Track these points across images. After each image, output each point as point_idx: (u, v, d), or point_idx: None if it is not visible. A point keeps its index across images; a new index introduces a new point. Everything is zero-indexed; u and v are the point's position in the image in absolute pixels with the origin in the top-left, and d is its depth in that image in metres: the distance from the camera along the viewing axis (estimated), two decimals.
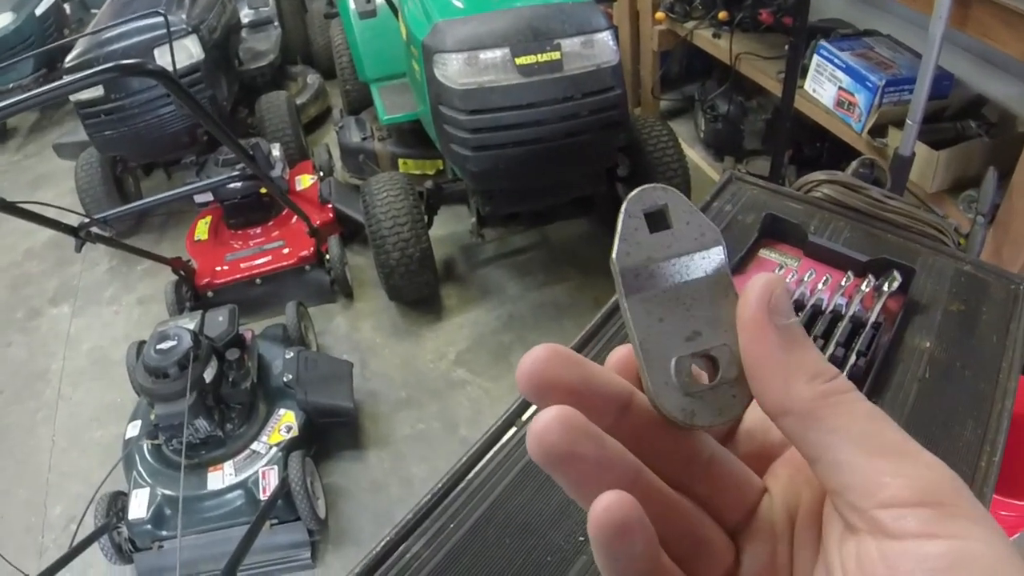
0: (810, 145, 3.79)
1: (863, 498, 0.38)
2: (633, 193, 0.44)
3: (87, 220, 3.20)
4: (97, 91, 4.18)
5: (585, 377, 0.43)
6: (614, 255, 0.44)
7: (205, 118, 2.75)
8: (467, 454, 1.35)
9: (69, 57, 4.26)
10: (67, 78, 3.85)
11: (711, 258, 0.44)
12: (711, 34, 3.90)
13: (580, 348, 1.52)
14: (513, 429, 1.39)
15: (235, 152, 3.19)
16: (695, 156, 4.04)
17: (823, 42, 3.24)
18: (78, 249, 3.20)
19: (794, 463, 0.47)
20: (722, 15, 3.86)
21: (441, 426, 3.20)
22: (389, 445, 3.19)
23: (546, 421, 0.39)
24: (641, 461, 0.43)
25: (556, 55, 2.95)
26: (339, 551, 2.88)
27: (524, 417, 1.40)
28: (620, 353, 0.47)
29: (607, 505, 0.38)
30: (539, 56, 2.94)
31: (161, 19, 4.13)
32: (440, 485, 1.31)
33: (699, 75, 4.79)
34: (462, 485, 1.32)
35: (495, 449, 1.36)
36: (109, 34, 4.23)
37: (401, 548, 1.24)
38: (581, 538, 1.21)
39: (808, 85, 3.31)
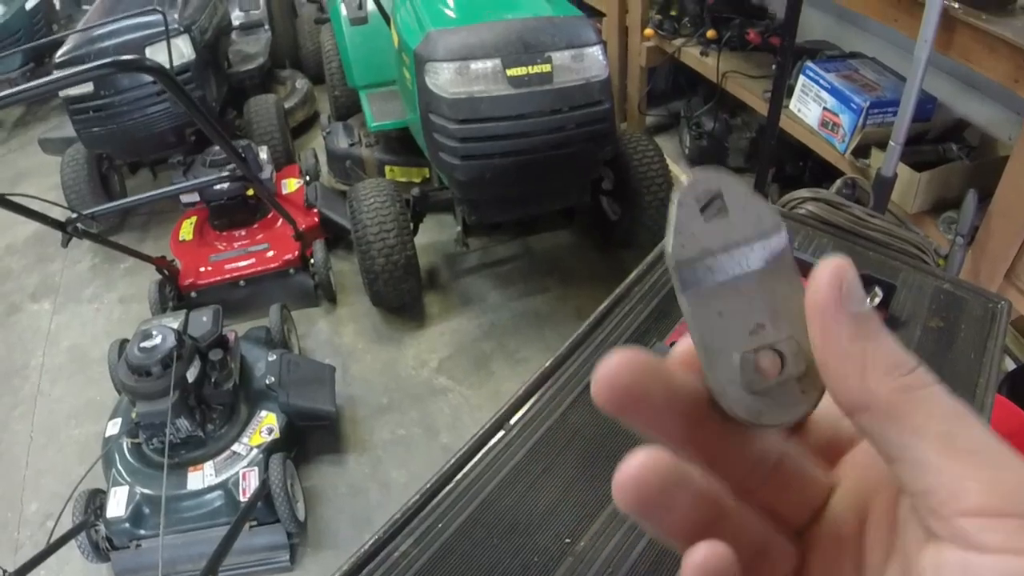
0: (793, 164, 3.83)
1: (945, 504, 0.35)
2: (687, 181, 0.41)
3: (75, 215, 3.20)
4: (87, 87, 4.19)
5: (669, 388, 0.40)
6: (669, 248, 0.40)
7: (199, 116, 2.77)
8: (456, 455, 1.37)
9: (60, 52, 4.26)
10: (58, 72, 3.90)
11: (772, 245, 0.42)
12: (699, 52, 3.94)
13: (564, 359, 1.54)
14: (502, 432, 1.41)
15: (227, 153, 3.20)
16: (679, 172, 4.08)
17: (809, 63, 3.28)
18: (65, 244, 3.20)
19: (867, 459, 0.44)
20: (710, 33, 3.90)
21: (422, 432, 3.22)
22: (369, 450, 3.20)
23: (638, 472, 0.38)
24: (708, 465, 0.42)
25: (547, 67, 2.98)
26: (317, 554, 2.89)
27: (512, 421, 1.42)
28: (682, 347, 0.44)
29: (704, 559, 0.38)
30: (530, 68, 2.97)
31: (153, 18, 4.16)
32: (429, 485, 1.33)
33: (685, 91, 4.83)
34: (451, 486, 1.34)
35: (484, 450, 1.38)
36: (101, 31, 4.25)
37: (389, 547, 1.26)
38: (567, 540, 1.23)
39: (793, 105, 3.35)
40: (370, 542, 1.26)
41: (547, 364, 1.52)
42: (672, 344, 1.45)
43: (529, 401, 1.46)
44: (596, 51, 3.08)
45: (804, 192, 2.10)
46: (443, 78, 2.99)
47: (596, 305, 1.62)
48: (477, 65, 2.97)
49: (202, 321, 3.03)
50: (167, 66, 3.51)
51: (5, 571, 2.11)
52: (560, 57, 3.01)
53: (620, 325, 1.62)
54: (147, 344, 2.79)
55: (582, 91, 3.03)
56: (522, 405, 1.45)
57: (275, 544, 2.85)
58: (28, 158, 6.32)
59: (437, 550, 1.25)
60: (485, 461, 1.37)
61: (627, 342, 1.56)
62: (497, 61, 2.97)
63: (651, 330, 1.56)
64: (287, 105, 5.29)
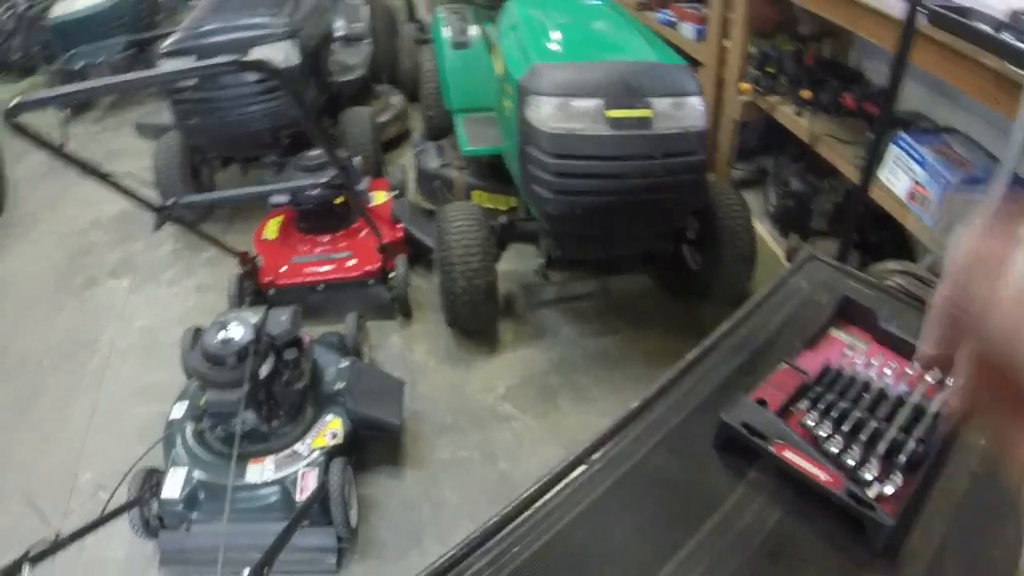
0: (875, 232, 3.81)
1: None
2: None
3: (173, 200, 3.27)
4: (191, 80, 4.28)
5: None
6: None
7: (308, 121, 2.82)
8: (537, 483, 1.39)
9: (167, 43, 4.38)
10: (165, 63, 4.02)
11: None
12: (793, 111, 3.93)
13: (651, 402, 1.55)
14: (584, 467, 1.42)
15: (330, 159, 3.25)
16: (760, 229, 4.07)
17: (903, 133, 3.26)
18: (157, 227, 3.27)
19: None
20: (806, 94, 3.89)
21: (480, 456, 3.23)
22: (427, 467, 3.22)
23: None
24: None
25: (647, 112, 3.00)
26: (364, 562, 2.91)
27: (595, 456, 1.44)
28: None
29: None
30: (630, 111, 2.99)
31: (261, 20, 4.28)
32: (508, 509, 1.35)
33: (773, 149, 4.82)
34: (529, 512, 1.36)
35: (565, 482, 1.40)
36: (209, 27, 4.36)
37: (462, 565, 1.28)
38: None
39: (882, 174, 3.34)
40: (445, 557, 1.29)
41: (635, 405, 1.54)
42: (759, 400, 1.47)
43: (614, 439, 1.48)
44: (696, 101, 3.10)
45: (894, 264, 2.11)
46: (544, 112, 3.02)
47: (667, 352, 1.65)
48: (579, 103, 3.00)
49: (281, 320, 3.07)
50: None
51: (58, 534, 2.15)
52: (660, 104, 3.02)
53: (707, 375, 1.63)
54: (225, 335, 2.85)
55: (679, 140, 3.04)
56: (606, 442, 1.47)
57: (324, 546, 2.88)
58: (120, 139, 6.47)
59: (510, 574, 1.27)
60: (565, 493, 1.39)
61: (713, 393, 1.58)
62: (599, 101, 2.99)
63: (737, 384, 1.58)
64: (380, 119, 5.36)
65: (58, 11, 7.20)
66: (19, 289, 4.83)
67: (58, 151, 2.52)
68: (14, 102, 2.17)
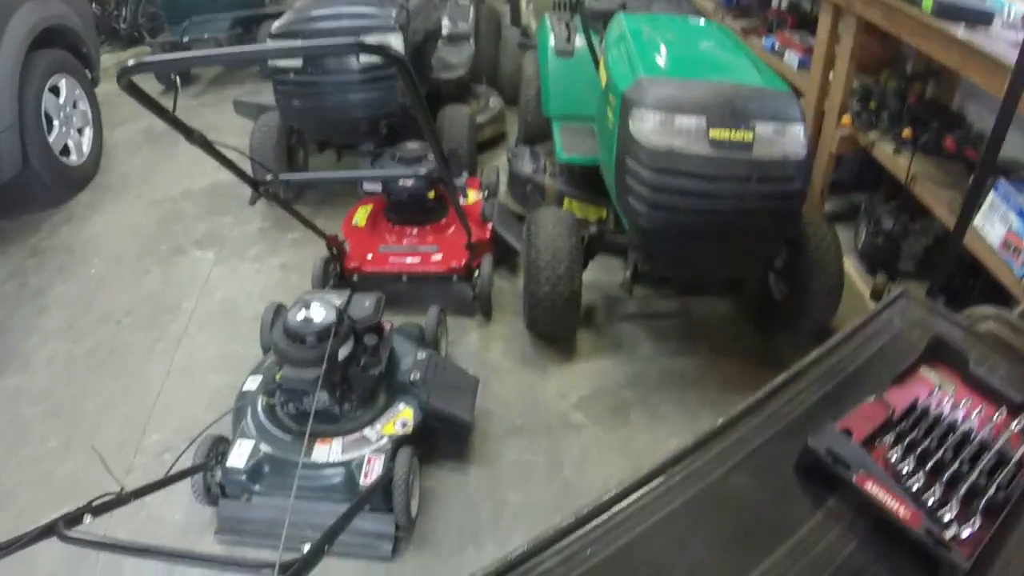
0: (962, 278, 3.74)
1: None
2: None
3: (273, 176, 3.31)
4: (296, 62, 4.37)
5: None
6: None
7: (421, 111, 2.82)
8: (616, 489, 1.39)
9: (277, 24, 4.45)
10: (272, 42, 4.07)
11: None
12: (892, 149, 3.87)
13: (736, 421, 1.55)
14: (663, 478, 1.42)
15: (434, 151, 3.25)
16: (848, 265, 4.00)
17: (1003, 180, 3.20)
18: (253, 202, 3.32)
19: None
20: (906, 132, 3.81)
21: (546, 462, 3.22)
22: (492, 467, 3.22)
23: None
24: None
25: (749, 136, 2.97)
26: (418, 553, 2.91)
27: (675, 468, 1.44)
28: None
29: None
30: (732, 133, 2.96)
31: (371, 9, 4.36)
32: (586, 511, 1.35)
33: (867, 185, 4.76)
34: (605, 516, 1.36)
35: (643, 491, 1.40)
36: (319, 12, 4.43)
37: (534, 560, 1.28)
38: None
39: (978, 220, 3.28)
40: (518, 551, 1.29)
41: (720, 422, 1.53)
42: (845, 430, 1.45)
43: (695, 454, 1.47)
44: (799, 129, 3.05)
45: (988, 309, 2.08)
46: (647, 126, 3.01)
47: (744, 380, 1.65)
48: (682, 120, 2.98)
49: (364, 305, 3.10)
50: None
51: (123, 488, 2.19)
52: (763, 128, 2.99)
53: (793, 400, 1.62)
54: (308, 314, 2.89)
55: (778, 166, 3.00)
56: (687, 456, 1.47)
57: (381, 532, 2.88)
58: (218, 115, 6.58)
59: (582, 575, 1.27)
60: (642, 502, 1.39)
61: (799, 418, 1.57)
62: (703, 119, 2.97)
63: (823, 413, 1.56)
64: (478, 120, 5.37)
65: None
66: (107, 249, 4.93)
67: (168, 114, 2.56)
68: (131, 62, 2.21)
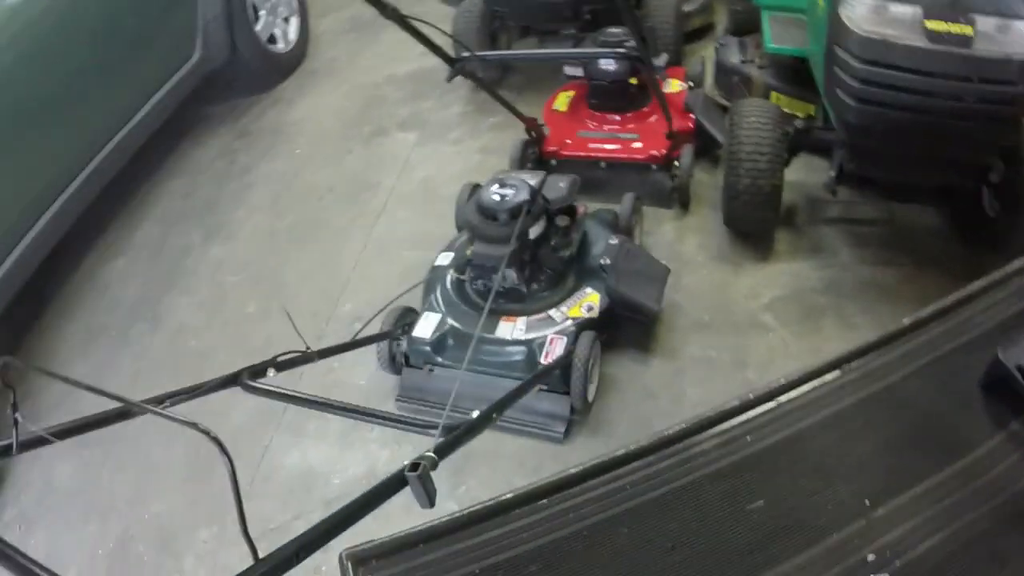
0: None
1: None
2: None
3: (469, 54, 3.31)
4: None
5: None
6: None
7: None
8: (786, 379, 1.34)
9: None
10: None
11: None
12: None
13: (919, 326, 1.47)
14: (838, 372, 1.36)
15: (631, 28, 3.20)
16: None
17: None
18: (449, 79, 3.33)
19: None
20: None
21: (730, 360, 3.16)
22: (674, 359, 3.18)
23: None
24: None
25: (968, 30, 2.77)
26: (591, 437, 2.92)
27: (852, 365, 1.38)
28: None
29: None
30: (951, 25, 2.77)
31: None
32: (752, 396, 1.31)
33: None
34: (771, 404, 1.32)
35: (815, 383, 1.35)
36: None
37: (693, 438, 1.26)
38: (867, 502, 1.18)
39: None
40: (675, 428, 1.26)
41: (906, 322, 1.46)
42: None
43: (876, 351, 1.41)
44: None
45: None
46: (859, 12, 2.85)
47: (942, 297, 1.52)
48: (897, 7, 2.80)
49: (559, 186, 3.09)
50: None
51: (308, 347, 2.25)
52: (985, 22, 2.78)
53: (988, 310, 1.53)
54: (502, 191, 2.91)
55: (1000, 66, 2.78)
56: (868, 352, 1.41)
57: (556, 413, 2.92)
58: (421, 4, 6.61)
59: (737, 461, 1.24)
60: (812, 395, 1.34)
61: (992, 329, 1.47)
62: (918, 9, 2.78)
63: (1019, 327, 1.45)
64: (685, 9, 5.22)
65: None
66: (311, 130, 5.09)
67: None
68: None
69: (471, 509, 1.19)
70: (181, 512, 2.90)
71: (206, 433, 1.39)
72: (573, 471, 1.22)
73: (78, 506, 3.01)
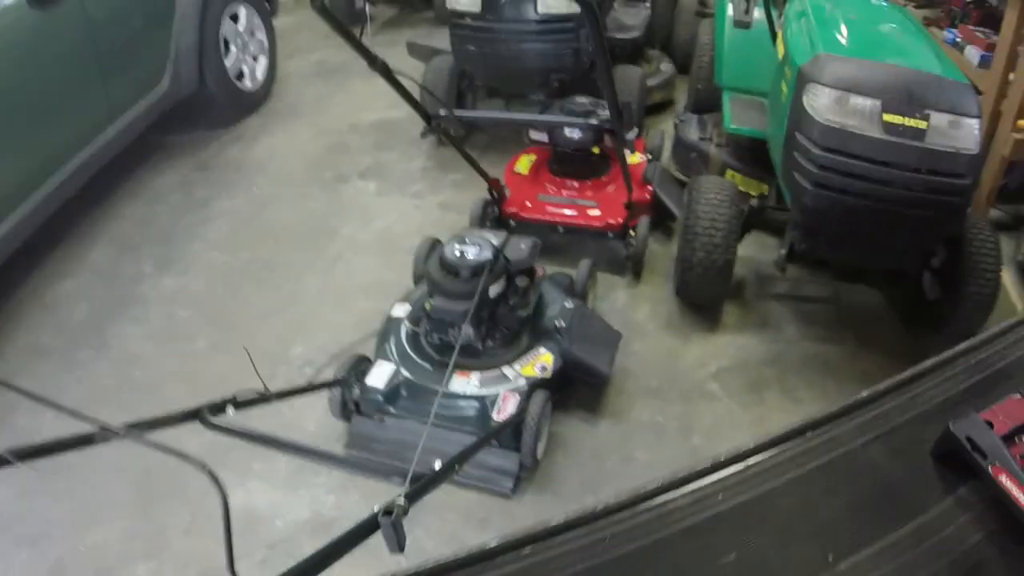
0: None
1: None
2: None
3: (447, 112, 3.38)
4: (476, 6, 4.42)
5: None
6: None
7: (602, 61, 2.86)
8: (755, 442, 1.41)
9: None
10: None
11: None
12: None
13: (881, 395, 1.55)
14: (800, 439, 1.44)
15: (609, 99, 3.29)
16: (1005, 276, 3.88)
17: None
18: (424, 135, 3.42)
19: None
20: None
21: (678, 427, 3.23)
22: (623, 423, 3.24)
23: None
24: None
25: (923, 124, 2.90)
26: (538, 495, 2.96)
27: (811, 434, 1.45)
28: None
29: None
30: (907, 119, 2.90)
31: None
32: (723, 458, 1.38)
33: None
34: (739, 467, 1.39)
35: (781, 448, 1.42)
36: None
37: (663, 497, 1.33)
38: (830, 557, 1.25)
39: None
40: (650, 486, 1.33)
41: (863, 395, 1.54)
42: (987, 422, 1.44)
43: (834, 422, 1.49)
44: (974, 124, 2.95)
45: None
46: (821, 102, 2.98)
47: (885, 375, 1.61)
48: (857, 100, 2.94)
49: (520, 247, 3.17)
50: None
51: (267, 388, 2.28)
52: (938, 118, 2.91)
53: (939, 386, 1.61)
54: (465, 247, 2.99)
55: (949, 159, 2.92)
56: (826, 423, 1.48)
57: (505, 469, 2.95)
58: (391, 57, 6.65)
59: (711, 517, 1.30)
60: (777, 459, 1.41)
61: (942, 404, 1.56)
62: (877, 102, 2.91)
63: (967, 402, 1.54)
64: (649, 83, 5.36)
65: None
66: (272, 170, 5.14)
67: (355, 39, 2.66)
68: None
69: (456, 555, 1.22)
70: (119, 545, 2.84)
71: (201, 466, 1.42)
72: (556, 521, 1.27)
73: (10, 533, 2.93)
